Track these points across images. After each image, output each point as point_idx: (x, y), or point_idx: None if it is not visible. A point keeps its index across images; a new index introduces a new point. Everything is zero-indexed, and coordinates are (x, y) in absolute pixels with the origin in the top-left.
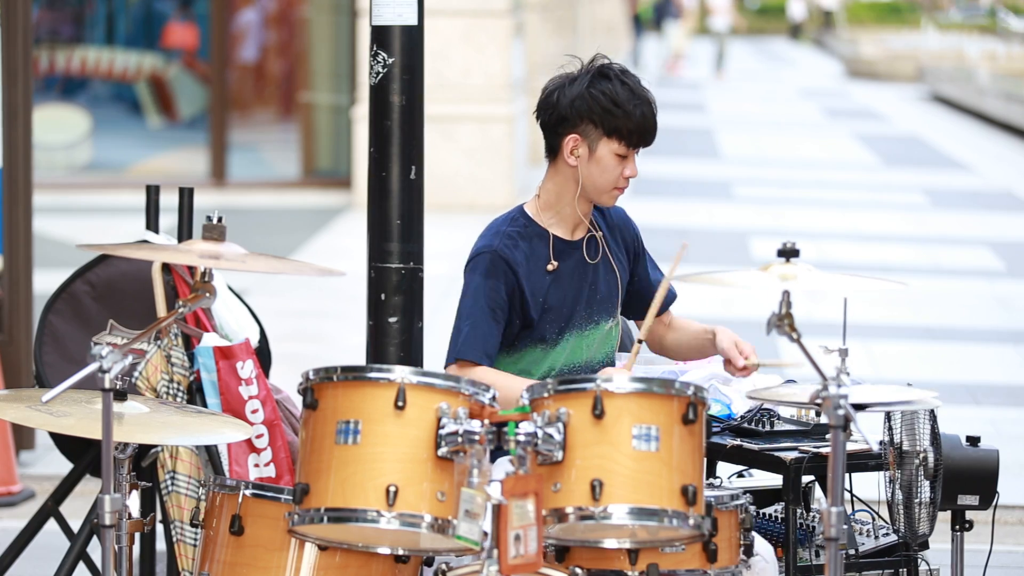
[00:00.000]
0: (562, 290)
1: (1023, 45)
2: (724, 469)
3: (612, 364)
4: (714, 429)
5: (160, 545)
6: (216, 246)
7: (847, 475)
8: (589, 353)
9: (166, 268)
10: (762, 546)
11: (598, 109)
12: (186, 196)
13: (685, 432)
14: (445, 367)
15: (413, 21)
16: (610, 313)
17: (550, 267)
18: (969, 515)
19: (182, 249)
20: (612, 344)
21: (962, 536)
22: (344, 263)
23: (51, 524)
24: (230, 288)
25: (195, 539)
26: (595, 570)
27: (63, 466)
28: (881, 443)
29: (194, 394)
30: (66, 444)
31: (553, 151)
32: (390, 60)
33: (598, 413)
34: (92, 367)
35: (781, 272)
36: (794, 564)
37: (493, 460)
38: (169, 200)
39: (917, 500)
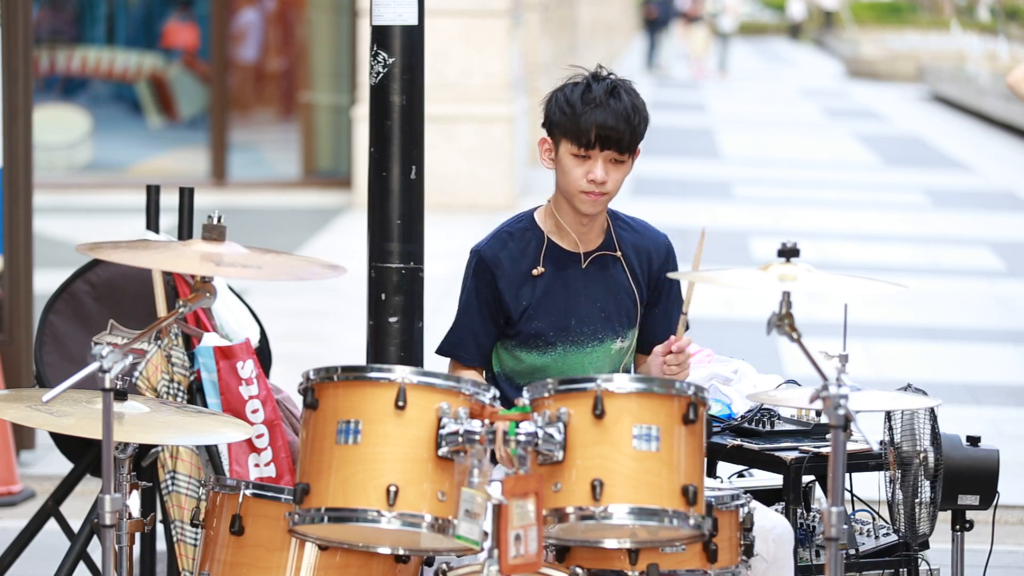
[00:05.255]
0: (552, 298)
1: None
2: (724, 469)
3: None
4: (714, 429)
5: (160, 545)
6: (217, 247)
7: (847, 475)
8: (591, 369)
9: None
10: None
11: (555, 111)
12: (186, 196)
13: (686, 432)
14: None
15: (413, 21)
16: (618, 333)
17: (535, 272)
18: (969, 515)
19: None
20: (618, 364)
21: (962, 536)
22: (344, 263)
23: (51, 524)
24: (230, 288)
25: (195, 539)
26: (595, 570)
27: (63, 466)
28: (881, 443)
29: (194, 394)
30: (66, 444)
31: None
32: (390, 60)
33: (598, 413)
34: (92, 367)
35: (781, 272)
36: (794, 564)
37: (493, 463)
38: (169, 200)
39: (917, 500)
